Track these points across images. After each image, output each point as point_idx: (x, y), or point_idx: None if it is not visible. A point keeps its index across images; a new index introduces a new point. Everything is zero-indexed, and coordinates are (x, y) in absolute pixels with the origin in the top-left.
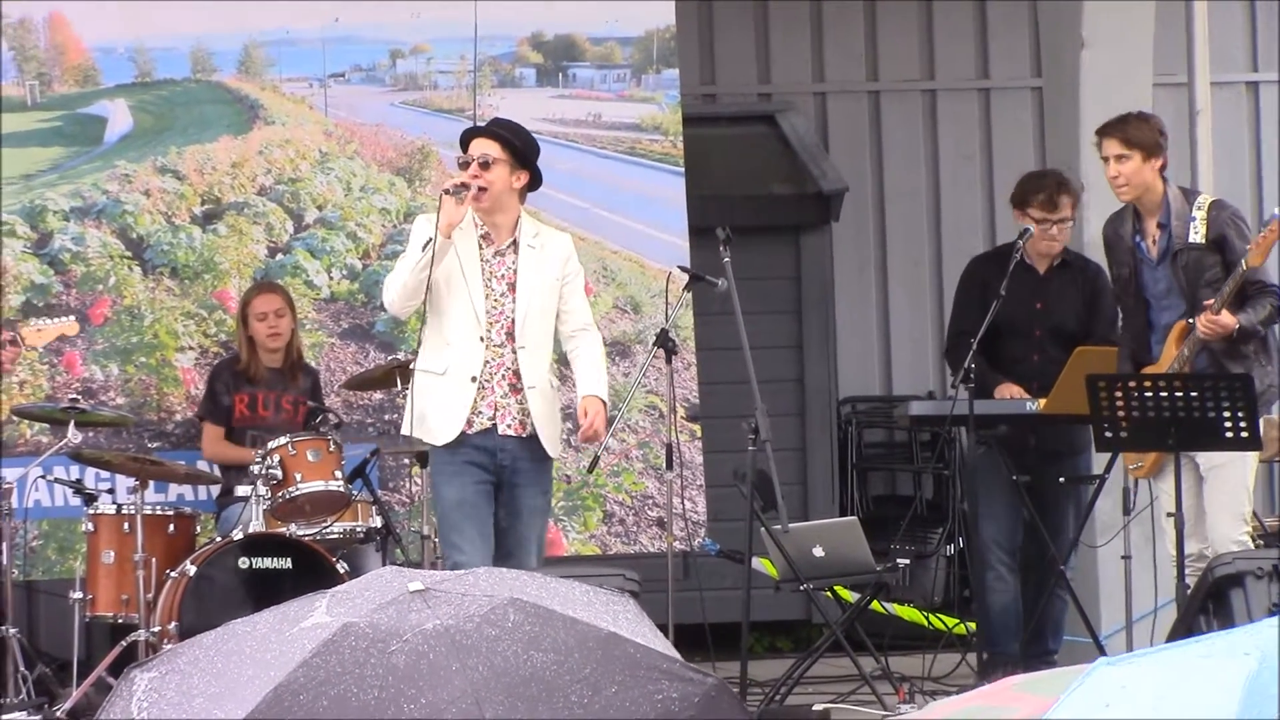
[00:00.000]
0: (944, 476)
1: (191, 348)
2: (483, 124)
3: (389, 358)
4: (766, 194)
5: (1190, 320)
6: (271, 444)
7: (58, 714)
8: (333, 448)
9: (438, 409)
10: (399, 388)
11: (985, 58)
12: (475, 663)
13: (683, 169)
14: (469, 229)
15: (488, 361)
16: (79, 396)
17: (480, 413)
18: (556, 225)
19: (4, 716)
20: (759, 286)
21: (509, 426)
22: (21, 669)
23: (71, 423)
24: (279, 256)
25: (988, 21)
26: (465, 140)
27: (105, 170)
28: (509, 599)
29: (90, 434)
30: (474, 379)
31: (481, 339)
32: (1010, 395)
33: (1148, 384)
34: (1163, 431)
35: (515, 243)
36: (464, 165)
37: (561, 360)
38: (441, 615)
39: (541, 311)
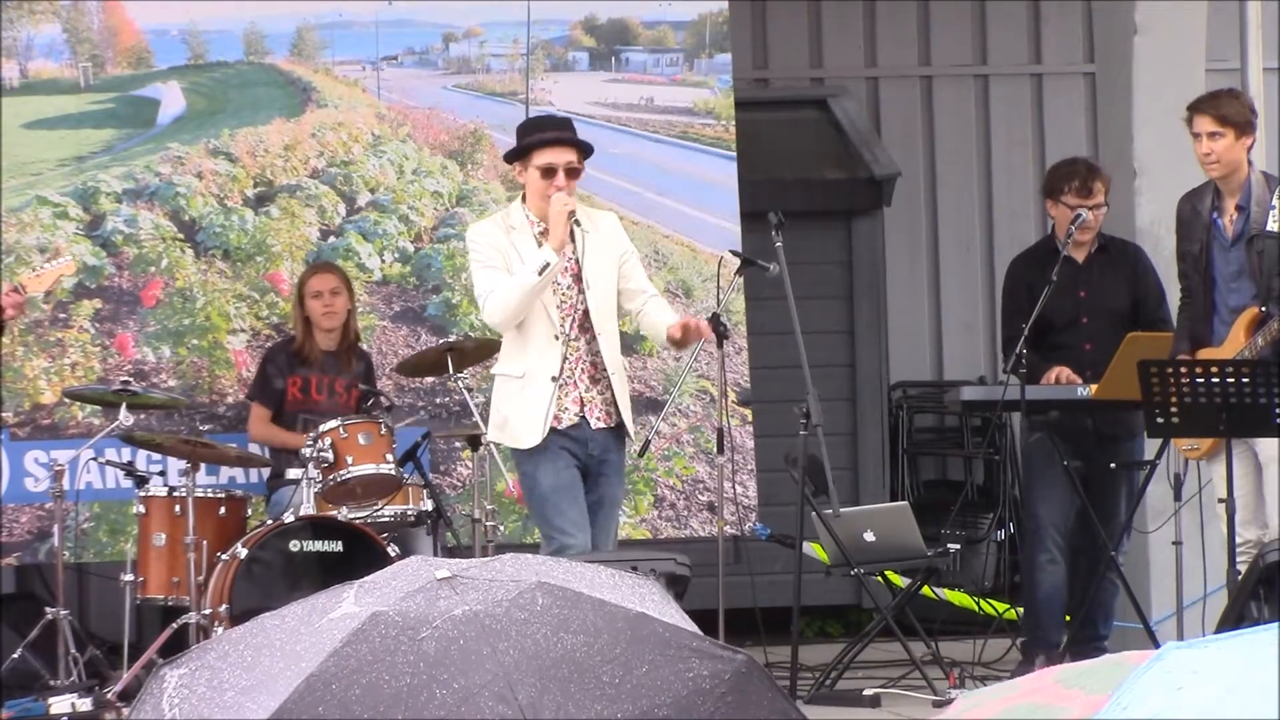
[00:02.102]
0: (995, 462)
1: (243, 330)
2: (542, 127)
3: (440, 341)
4: (818, 179)
5: (1264, 308)
6: (323, 427)
7: (108, 696)
8: (384, 431)
9: (521, 413)
10: (450, 371)
11: (1038, 43)
12: (506, 646)
13: (735, 153)
14: (524, 227)
15: (566, 358)
16: (130, 379)
17: (566, 409)
18: (608, 208)
19: (55, 698)
20: (810, 271)
21: (598, 419)
22: (72, 651)
23: (123, 405)
24: (331, 239)
25: (1040, 7)
26: (528, 146)
27: (158, 152)
28: (536, 583)
29: (142, 416)
30: (554, 379)
31: (557, 337)
32: (1058, 376)
33: (1199, 370)
34: (1214, 418)
35: (570, 232)
36: (549, 172)
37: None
38: (470, 601)
39: (607, 294)
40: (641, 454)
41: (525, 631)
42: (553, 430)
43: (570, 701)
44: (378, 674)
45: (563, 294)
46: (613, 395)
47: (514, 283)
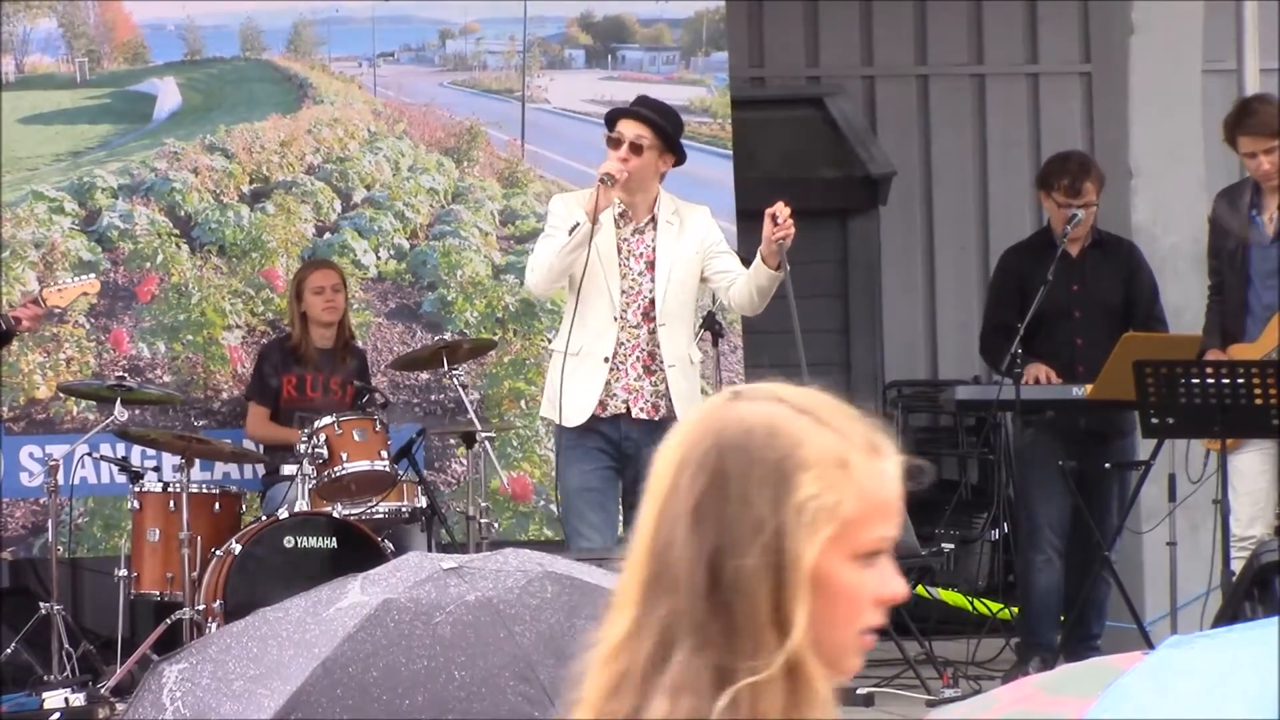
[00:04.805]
0: (989, 461)
1: (239, 326)
2: (629, 104)
3: (436, 338)
4: (814, 177)
5: None
6: (318, 423)
7: (101, 691)
8: (379, 427)
9: (571, 391)
10: (445, 368)
11: (1034, 43)
12: (522, 630)
13: (731, 152)
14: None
15: (622, 343)
16: (126, 374)
17: (614, 395)
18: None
19: (49, 693)
20: (806, 270)
21: (642, 410)
22: (66, 646)
23: (118, 400)
24: (327, 235)
25: (1037, 6)
26: (612, 119)
27: (154, 148)
28: (543, 572)
29: (137, 412)
30: (606, 360)
31: (615, 319)
32: (1038, 375)
33: (1195, 370)
34: (1210, 418)
35: (654, 219)
36: (614, 144)
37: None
38: (481, 588)
39: (681, 285)
40: None
41: (539, 616)
42: (595, 418)
43: None
44: (394, 657)
45: (633, 279)
46: (666, 389)
47: (546, 243)
